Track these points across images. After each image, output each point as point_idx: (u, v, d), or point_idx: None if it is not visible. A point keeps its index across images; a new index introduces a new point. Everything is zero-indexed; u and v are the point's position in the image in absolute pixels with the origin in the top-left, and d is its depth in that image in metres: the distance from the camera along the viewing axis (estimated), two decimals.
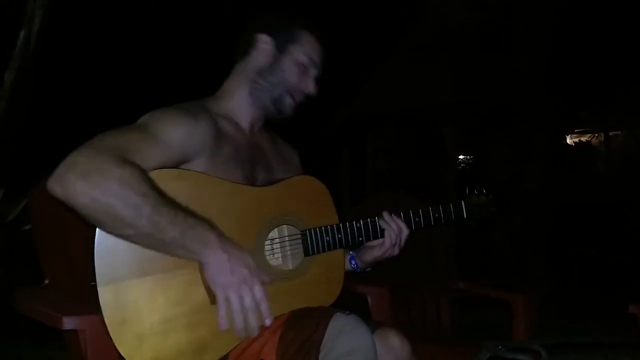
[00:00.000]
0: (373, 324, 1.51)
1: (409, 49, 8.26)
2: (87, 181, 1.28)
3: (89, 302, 1.59)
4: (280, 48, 1.66)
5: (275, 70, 1.65)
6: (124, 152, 1.34)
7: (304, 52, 1.67)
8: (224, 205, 1.46)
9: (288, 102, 1.67)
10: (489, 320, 3.50)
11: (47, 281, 1.81)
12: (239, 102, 1.66)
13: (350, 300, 1.70)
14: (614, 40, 8.00)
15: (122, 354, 1.33)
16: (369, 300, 2.26)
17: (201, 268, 1.40)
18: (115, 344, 1.33)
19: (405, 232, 1.72)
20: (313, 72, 1.70)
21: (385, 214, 1.71)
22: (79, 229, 1.79)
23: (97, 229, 1.34)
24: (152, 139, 1.42)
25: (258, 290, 1.37)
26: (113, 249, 1.35)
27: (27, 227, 3.39)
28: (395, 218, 1.71)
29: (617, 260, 6.68)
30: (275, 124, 1.78)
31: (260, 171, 1.64)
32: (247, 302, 1.36)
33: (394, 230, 1.69)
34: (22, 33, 4.48)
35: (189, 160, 1.49)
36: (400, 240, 1.71)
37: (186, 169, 1.47)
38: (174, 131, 1.45)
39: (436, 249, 2.54)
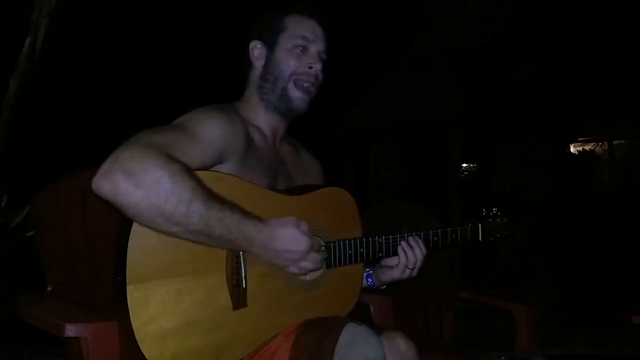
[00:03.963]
0: (377, 329, 1.51)
1: (413, 59, 8.28)
2: (137, 179, 1.28)
3: (92, 309, 1.60)
4: (270, 45, 1.65)
5: (271, 67, 1.64)
6: (169, 150, 1.35)
7: (293, 34, 1.63)
8: (256, 210, 1.47)
9: (295, 94, 1.63)
10: (492, 330, 3.49)
11: (49, 288, 1.80)
12: (256, 111, 1.67)
13: (352, 310, 1.70)
14: (616, 49, 8.00)
15: (144, 352, 1.34)
16: (372, 308, 2.26)
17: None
18: (138, 342, 1.34)
19: (423, 252, 1.71)
20: (313, 48, 1.64)
21: (407, 234, 1.71)
22: (81, 236, 1.81)
23: (132, 229, 1.34)
24: (193, 138, 1.43)
25: (307, 264, 1.49)
26: (145, 248, 1.36)
27: (30, 233, 3.40)
28: (417, 238, 1.71)
29: (621, 270, 6.65)
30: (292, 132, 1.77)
31: (281, 181, 1.66)
32: (304, 267, 1.50)
33: (412, 251, 1.69)
34: (27, 40, 4.49)
35: (222, 161, 1.50)
36: (417, 261, 1.70)
37: (223, 172, 1.49)
38: (214, 130, 1.47)
39: (440, 258, 2.53)
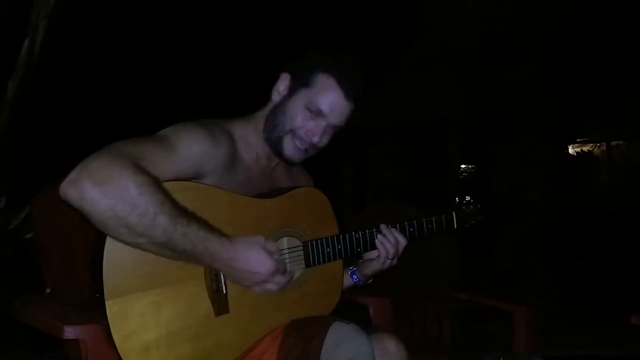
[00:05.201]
0: (369, 329, 1.52)
1: (412, 60, 8.27)
2: (103, 188, 1.27)
3: (91, 311, 1.60)
4: (293, 89, 1.63)
5: (282, 110, 1.63)
6: (140, 161, 1.34)
7: (313, 98, 1.59)
8: (228, 216, 1.48)
9: (289, 145, 1.61)
10: (491, 331, 3.49)
11: (48, 290, 1.81)
12: (255, 134, 1.66)
13: (351, 311, 1.71)
14: (615, 50, 8.01)
15: None
16: (370, 310, 2.26)
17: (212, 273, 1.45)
18: (122, 356, 1.34)
19: (403, 243, 1.72)
20: (323, 122, 1.61)
21: (382, 226, 1.71)
22: (80, 237, 1.80)
23: (106, 245, 1.34)
24: (169, 152, 1.42)
25: (271, 287, 1.48)
26: (121, 263, 1.35)
27: (29, 235, 3.40)
28: (392, 230, 1.72)
29: (620, 271, 6.66)
30: None
31: None
32: (268, 289, 1.49)
33: (390, 242, 1.70)
34: (25, 42, 4.49)
35: (200, 177, 1.50)
36: (397, 252, 1.72)
37: (193, 181, 1.48)
38: (192, 148, 1.46)
39: (438, 259, 2.53)
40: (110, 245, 1.34)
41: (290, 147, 1.62)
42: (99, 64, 8.58)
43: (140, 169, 1.32)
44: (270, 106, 1.66)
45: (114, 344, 1.35)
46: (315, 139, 1.61)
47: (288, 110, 1.61)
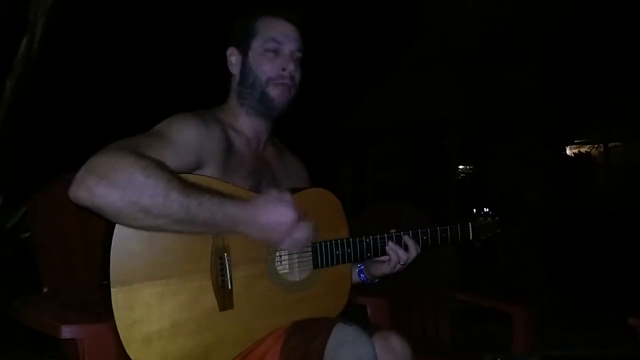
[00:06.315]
0: (372, 328, 1.51)
1: (412, 61, 8.28)
2: (110, 180, 1.28)
3: (88, 311, 1.60)
4: (244, 51, 1.66)
5: (246, 72, 1.65)
6: (141, 151, 1.35)
7: (264, 38, 1.64)
8: None
9: (273, 92, 1.64)
10: (489, 331, 3.49)
11: (45, 289, 1.80)
12: (237, 116, 1.68)
13: (349, 311, 1.70)
14: (613, 51, 8.01)
15: (130, 355, 1.34)
16: (369, 311, 2.25)
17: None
18: (124, 345, 1.33)
19: (414, 252, 1.72)
20: (285, 49, 1.65)
21: (395, 233, 1.71)
22: (78, 237, 1.80)
23: (115, 231, 1.33)
24: (167, 142, 1.44)
25: (300, 235, 1.48)
26: (129, 251, 1.35)
27: (26, 234, 3.39)
28: (405, 238, 1.72)
29: (618, 271, 6.67)
30: (279, 134, 1.77)
31: (265, 185, 1.65)
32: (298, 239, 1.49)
33: (402, 250, 1.70)
34: (24, 41, 4.48)
35: (200, 166, 1.50)
36: (408, 259, 1.72)
37: (201, 174, 1.48)
38: (188, 134, 1.48)
39: (437, 260, 2.53)
40: (119, 232, 1.34)
41: (275, 93, 1.64)
42: (97, 62, 8.57)
43: (141, 155, 1.33)
44: (235, 80, 1.69)
45: (118, 334, 1.34)
46: (290, 67, 1.64)
47: (252, 67, 1.65)
